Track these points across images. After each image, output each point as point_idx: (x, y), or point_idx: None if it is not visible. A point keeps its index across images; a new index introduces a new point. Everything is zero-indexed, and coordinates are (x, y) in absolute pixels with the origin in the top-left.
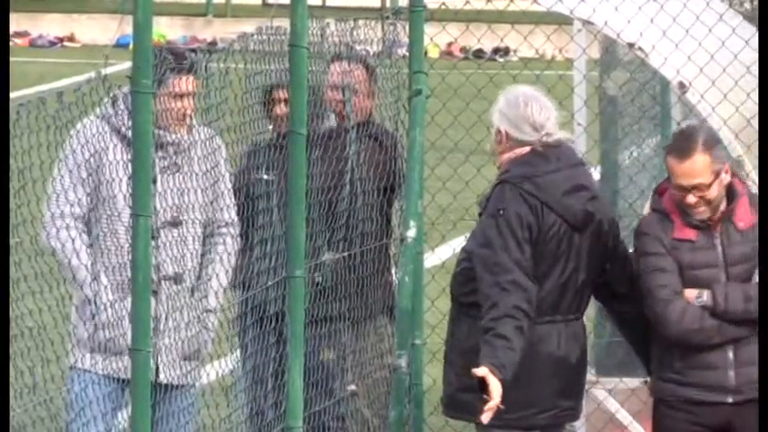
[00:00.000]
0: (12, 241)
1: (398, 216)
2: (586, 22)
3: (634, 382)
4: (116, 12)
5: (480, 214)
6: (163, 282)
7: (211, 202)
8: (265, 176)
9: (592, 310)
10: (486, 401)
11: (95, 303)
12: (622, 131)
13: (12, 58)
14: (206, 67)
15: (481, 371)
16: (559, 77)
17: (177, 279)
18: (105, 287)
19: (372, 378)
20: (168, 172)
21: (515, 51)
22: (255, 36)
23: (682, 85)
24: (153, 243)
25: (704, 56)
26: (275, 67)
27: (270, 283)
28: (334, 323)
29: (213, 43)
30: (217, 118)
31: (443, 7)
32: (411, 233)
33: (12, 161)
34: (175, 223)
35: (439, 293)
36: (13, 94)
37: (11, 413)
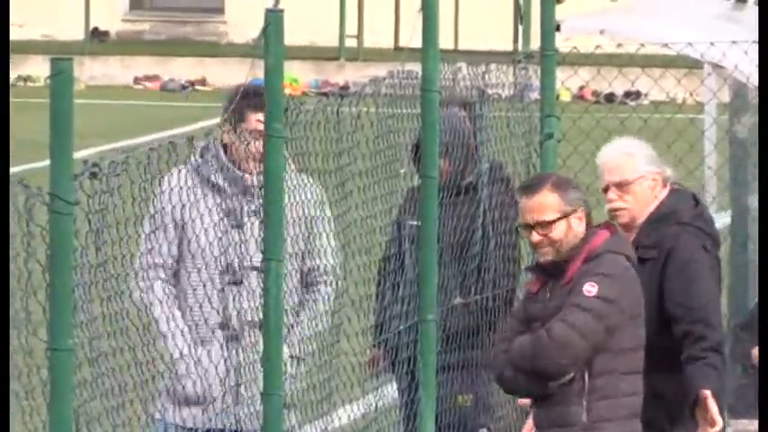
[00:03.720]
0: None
1: (528, 259)
2: (717, 66)
3: None
4: (247, 55)
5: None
6: (246, 327)
7: (310, 252)
8: (412, 222)
9: None
10: None
11: (172, 355)
12: (752, 175)
13: (142, 102)
14: (338, 111)
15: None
16: (690, 121)
17: (260, 325)
18: (184, 339)
19: (505, 421)
20: (255, 216)
21: (646, 95)
22: (387, 80)
23: None
24: (236, 289)
25: None
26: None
27: (401, 327)
28: (467, 366)
29: (345, 87)
30: (349, 162)
31: (575, 51)
32: None
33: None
34: (261, 270)
35: None
36: (143, 138)
37: None
